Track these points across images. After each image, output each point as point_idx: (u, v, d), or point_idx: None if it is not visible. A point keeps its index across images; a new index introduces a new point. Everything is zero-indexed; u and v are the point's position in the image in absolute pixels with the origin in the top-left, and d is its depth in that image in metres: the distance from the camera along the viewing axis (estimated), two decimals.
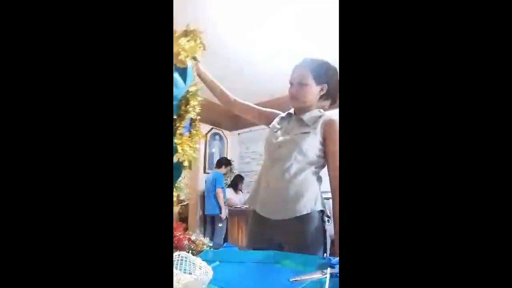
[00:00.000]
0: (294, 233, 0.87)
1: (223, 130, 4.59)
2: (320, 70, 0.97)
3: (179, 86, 0.72)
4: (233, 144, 4.67)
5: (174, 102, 0.70)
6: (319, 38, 2.30)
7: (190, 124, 0.76)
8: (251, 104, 1.13)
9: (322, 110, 1.00)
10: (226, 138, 4.67)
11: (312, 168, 0.93)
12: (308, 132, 0.91)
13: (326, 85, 0.98)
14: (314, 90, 0.97)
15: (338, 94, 0.97)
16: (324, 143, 0.92)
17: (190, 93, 0.71)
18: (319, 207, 0.90)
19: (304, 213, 0.87)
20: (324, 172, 0.96)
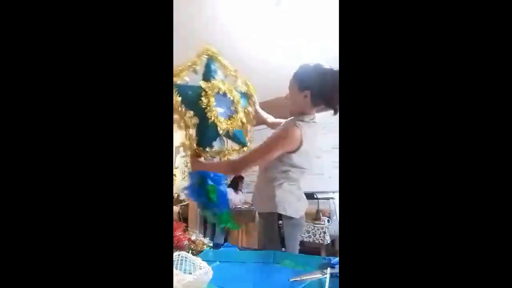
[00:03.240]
0: (260, 227, 1.02)
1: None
2: (303, 76, 0.96)
3: (191, 88, 1.00)
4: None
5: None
6: (323, 36, 2.30)
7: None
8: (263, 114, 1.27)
9: (303, 118, 0.98)
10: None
11: (274, 172, 0.98)
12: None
13: (308, 90, 0.94)
14: (297, 98, 0.97)
15: (330, 96, 0.94)
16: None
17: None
18: (270, 209, 0.95)
19: (261, 211, 1.01)
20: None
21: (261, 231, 1.00)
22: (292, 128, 0.92)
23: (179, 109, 0.99)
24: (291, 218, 0.94)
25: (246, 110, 1.14)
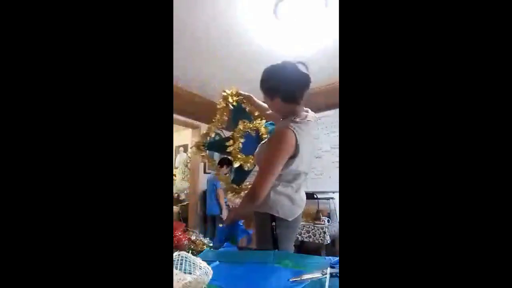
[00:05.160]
0: (256, 225, 1.02)
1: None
2: (266, 83, 0.96)
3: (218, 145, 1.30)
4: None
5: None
6: (323, 36, 2.30)
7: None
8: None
9: (295, 119, 0.95)
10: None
11: None
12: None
13: (277, 97, 0.94)
14: (274, 106, 1.00)
15: (300, 93, 0.94)
16: None
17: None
18: (264, 210, 0.96)
19: (257, 211, 0.99)
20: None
21: (256, 231, 1.00)
22: (286, 133, 0.89)
23: (208, 159, 1.30)
24: (284, 220, 0.94)
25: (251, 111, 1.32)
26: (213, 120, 1.24)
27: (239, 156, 1.25)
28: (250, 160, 1.25)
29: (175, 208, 3.94)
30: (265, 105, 1.27)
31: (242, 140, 1.25)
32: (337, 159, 3.00)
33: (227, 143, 1.24)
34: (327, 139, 3.10)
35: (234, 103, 1.26)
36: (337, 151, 3.06)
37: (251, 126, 1.28)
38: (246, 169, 1.25)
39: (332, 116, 3.07)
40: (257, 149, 1.08)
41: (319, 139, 3.09)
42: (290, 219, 0.95)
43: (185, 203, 3.96)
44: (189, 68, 2.63)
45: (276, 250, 0.90)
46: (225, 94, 1.25)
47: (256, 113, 1.34)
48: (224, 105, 1.25)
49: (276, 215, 0.93)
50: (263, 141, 1.09)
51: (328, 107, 2.99)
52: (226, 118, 1.26)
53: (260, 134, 1.28)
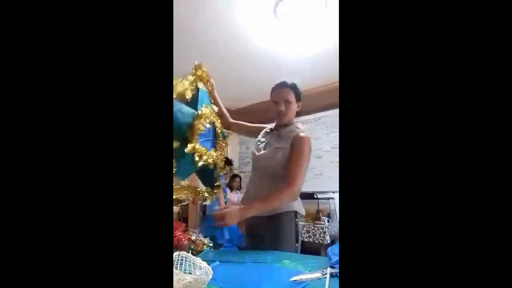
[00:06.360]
0: (270, 228, 1.02)
1: (223, 130, 4.56)
2: (297, 90, 1.11)
3: (185, 113, 0.81)
4: (233, 144, 4.67)
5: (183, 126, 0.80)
6: (323, 37, 2.30)
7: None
8: (244, 123, 1.31)
9: (298, 126, 1.11)
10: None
11: (279, 174, 1.03)
12: (281, 147, 1.05)
13: (300, 102, 1.12)
14: (294, 107, 1.11)
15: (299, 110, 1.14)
16: (289, 156, 1.02)
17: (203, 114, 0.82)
18: (290, 208, 1.03)
19: (277, 212, 1.01)
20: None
21: (274, 232, 1.01)
22: (308, 140, 1.03)
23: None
24: (301, 216, 1.06)
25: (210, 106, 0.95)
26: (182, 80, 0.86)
27: (195, 145, 0.77)
28: (210, 154, 0.82)
29: (175, 208, 3.94)
30: (227, 114, 1.26)
31: (206, 125, 0.82)
32: (337, 159, 3.01)
33: (194, 121, 0.79)
34: (327, 139, 3.11)
35: (202, 87, 0.95)
36: (337, 151, 3.07)
37: (211, 116, 0.87)
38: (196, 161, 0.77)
39: (332, 116, 3.08)
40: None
41: (319, 139, 3.09)
42: (304, 214, 1.09)
43: (185, 203, 3.97)
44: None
45: (297, 245, 1.02)
46: (201, 73, 0.99)
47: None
48: (192, 79, 0.90)
49: (298, 210, 1.05)
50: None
51: (328, 107, 2.99)
52: (191, 92, 0.87)
53: (216, 129, 0.95)
